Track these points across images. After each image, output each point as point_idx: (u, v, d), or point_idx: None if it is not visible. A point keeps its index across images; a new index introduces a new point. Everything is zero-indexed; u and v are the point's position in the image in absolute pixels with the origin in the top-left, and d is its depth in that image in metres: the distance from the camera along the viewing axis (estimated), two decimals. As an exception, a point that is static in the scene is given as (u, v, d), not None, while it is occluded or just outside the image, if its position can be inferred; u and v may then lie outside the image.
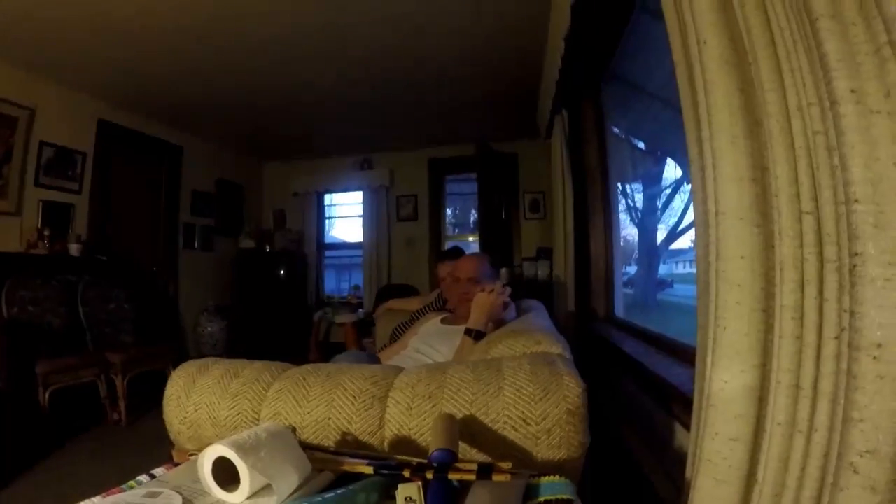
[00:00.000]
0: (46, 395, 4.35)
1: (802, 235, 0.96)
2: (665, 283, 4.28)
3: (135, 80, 5.80)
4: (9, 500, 3.27)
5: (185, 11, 4.35)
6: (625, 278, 4.62)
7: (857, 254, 0.79)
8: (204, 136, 8.09)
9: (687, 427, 1.80)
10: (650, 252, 4.50)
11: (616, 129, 4.58)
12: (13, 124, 5.20)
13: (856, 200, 0.79)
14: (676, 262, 4.20)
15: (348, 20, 4.61)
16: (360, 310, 8.05)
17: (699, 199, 1.20)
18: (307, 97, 6.52)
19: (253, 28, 4.70)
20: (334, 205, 10.10)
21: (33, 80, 5.42)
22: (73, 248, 5.60)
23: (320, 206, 9.72)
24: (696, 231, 1.26)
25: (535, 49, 4.92)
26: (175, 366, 1.96)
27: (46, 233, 5.38)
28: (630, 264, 4.78)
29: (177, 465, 1.26)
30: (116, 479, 3.59)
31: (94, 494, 1.08)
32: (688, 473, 1.26)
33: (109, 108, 6.39)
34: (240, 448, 0.99)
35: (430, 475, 0.99)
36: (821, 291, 0.91)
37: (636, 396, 2.62)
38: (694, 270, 3.75)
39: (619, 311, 4.36)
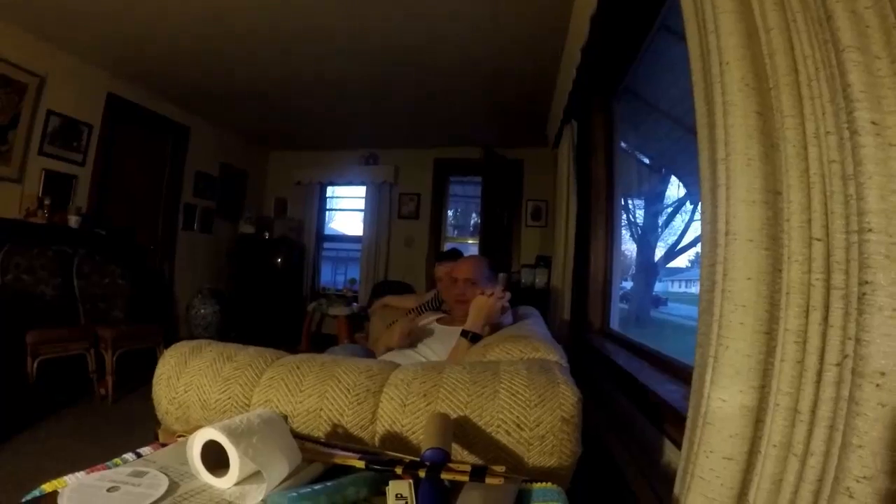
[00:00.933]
0: (34, 365, 4.34)
1: (811, 261, 0.96)
2: (660, 301, 4.29)
3: (148, 58, 5.80)
4: (-12, 466, 3.25)
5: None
6: (620, 292, 4.63)
7: (866, 282, 0.79)
8: (212, 119, 8.08)
9: (676, 443, 1.80)
10: (647, 269, 4.50)
11: (624, 144, 4.58)
12: (22, 91, 5.19)
13: (870, 230, 0.79)
14: (672, 281, 4.21)
15: (366, 19, 4.62)
16: (355, 304, 8.05)
17: (708, 218, 1.20)
18: (319, 90, 6.52)
19: (272, 19, 4.71)
20: (336, 197, 10.08)
21: (46, 49, 5.41)
22: (73, 220, 5.59)
23: (322, 198, 9.70)
24: (702, 250, 1.26)
25: (550, 57, 4.91)
26: (166, 345, 1.96)
27: (47, 202, 5.36)
28: (626, 279, 4.78)
29: (163, 445, 1.25)
30: (98, 454, 3.58)
31: (75, 467, 1.07)
32: (676, 490, 1.26)
33: (120, 82, 6.38)
34: (231, 433, 0.98)
35: (422, 474, 0.98)
36: (826, 318, 0.92)
37: (626, 410, 2.62)
38: (689, 290, 3.76)
39: (615, 325, 4.36)
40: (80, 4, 4.63)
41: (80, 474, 1.03)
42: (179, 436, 1.26)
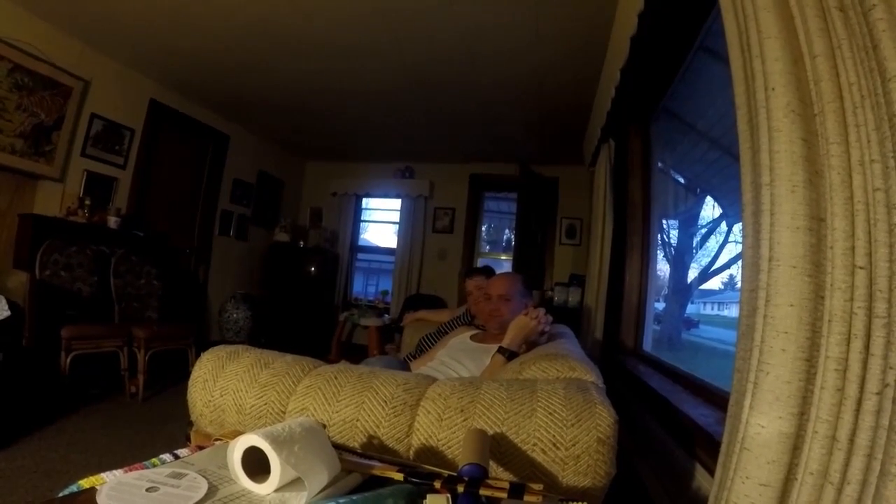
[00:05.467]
0: (68, 360, 4.44)
1: (853, 289, 0.96)
2: (692, 323, 4.25)
3: (191, 66, 5.91)
4: (16, 456, 3.32)
5: (250, 8, 4.43)
6: (653, 313, 4.59)
7: (910, 313, 0.79)
8: (251, 128, 8.20)
9: (707, 468, 1.79)
10: (681, 290, 4.47)
11: (660, 164, 4.56)
12: (67, 94, 5.31)
13: (914, 260, 0.79)
14: (705, 303, 4.17)
15: (406, 35, 4.68)
16: (386, 315, 8.07)
17: (750, 243, 1.19)
18: (357, 103, 6.58)
19: (316, 33, 4.78)
20: (370, 209, 10.14)
21: (92, 54, 5.54)
22: (112, 221, 5.71)
23: (357, 209, 9.76)
24: (743, 275, 1.25)
25: (589, 77, 4.91)
26: (197, 348, 1.98)
27: (87, 202, 5.49)
28: (658, 300, 4.74)
29: (200, 447, 1.26)
30: (125, 450, 3.64)
31: (102, 461, 1.09)
32: (708, 515, 1.25)
33: (163, 89, 6.53)
34: (274, 440, 0.99)
35: (461, 488, 0.99)
36: (867, 346, 0.92)
37: (657, 432, 2.61)
38: (722, 313, 3.73)
39: (648, 346, 4.33)
40: (127, 13, 4.74)
41: (118, 472, 1.05)
42: (216, 439, 1.28)
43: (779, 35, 1.13)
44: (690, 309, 4.30)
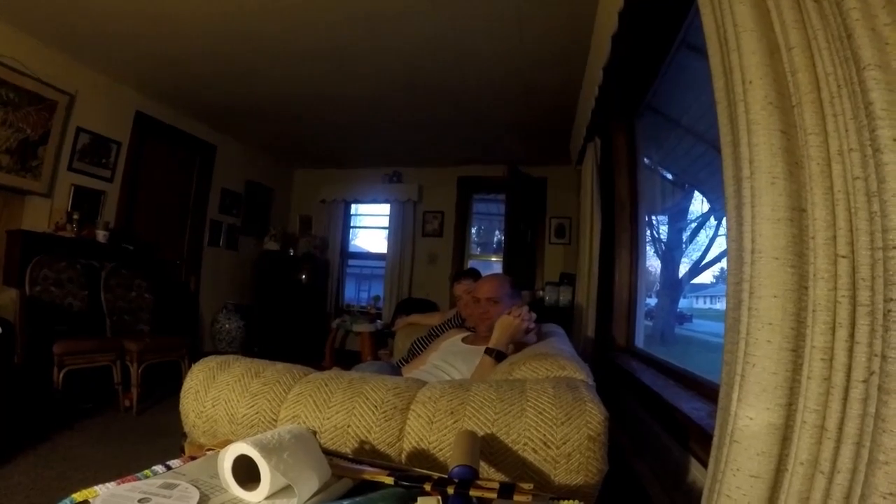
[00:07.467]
0: (61, 376, 4.41)
1: (837, 278, 0.96)
2: (685, 318, 4.26)
3: (176, 77, 5.90)
4: (11, 474, 3.29)
5: (234, 15, 4.42)
6: (644, 309, 4.59)
7: (892, 299, 0.79)
8: (238, 137, 8.18)
9: (701, 462, 1.80)
10: (672, 285, 4.47)
11: (647, 160, 4.57)
12: (52, 108, 5.29)
13: (894, 247, 0.79)
14: (697, 297, 4.18)
15: (390, 40, 4.68)
16: (379, 321, 8.06)
17: (734, 236, 1.20)
18: (344, 108, 6.58)
19: (300, 39, 4.77)
20: (360, 214, 10.13)
21: (76, 67, 5.52)
22: (100, 235, 5.68)
23: (346, 215, 9.75)
24: (728, 268, 1.26)
25: (573, 76, 4.93)
26: (190, 359, 1.97)
27: (75, 217, 5.46)
28: (650, 296, 4.75)
29: (192, 457, 1.26)
30: (121, 464, 3.62)
31: (98, 476, 1.08)
32: (702, 508, 1.26)
33: (148, 101, 6.50)
34: (263, 448, 0.99)
35: (451, 490, 0.99)
36: (852, 335, 0.92)
37: (651, 428, 2.61)
38: (714, 306, 3.73)
39: (640, 342, 4.34)
40: (110, 24, 4.72)
41: (111, 484, 1.03)
42: (208, 449, 1.27)
43: (755, 28, 1.13)
44: (683, 303, 4.31)
